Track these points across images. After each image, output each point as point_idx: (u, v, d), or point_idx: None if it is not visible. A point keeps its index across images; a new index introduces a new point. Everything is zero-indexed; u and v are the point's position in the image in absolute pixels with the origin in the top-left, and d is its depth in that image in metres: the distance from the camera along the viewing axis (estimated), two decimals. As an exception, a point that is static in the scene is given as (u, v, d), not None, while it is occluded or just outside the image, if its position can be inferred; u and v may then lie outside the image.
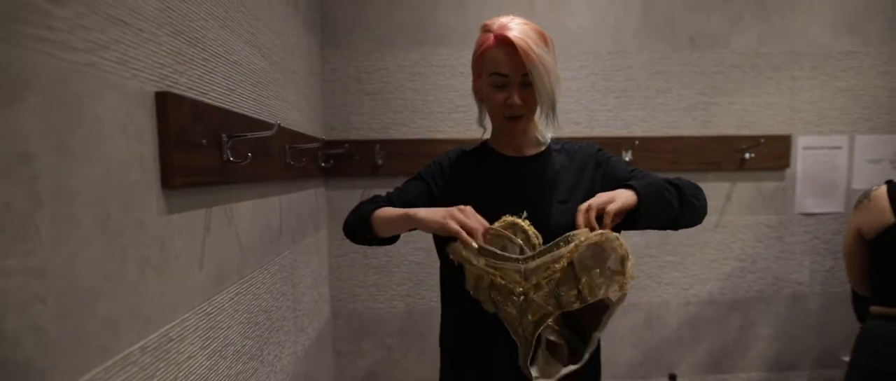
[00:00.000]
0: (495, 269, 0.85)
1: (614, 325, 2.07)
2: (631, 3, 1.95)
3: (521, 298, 0.84)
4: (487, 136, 1.11)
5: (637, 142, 1.94)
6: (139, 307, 0.64)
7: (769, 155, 2.03)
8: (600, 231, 0.82)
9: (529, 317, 0.85)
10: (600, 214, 0.84)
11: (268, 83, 1.20)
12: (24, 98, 0.46)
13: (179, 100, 0.72)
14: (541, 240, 0.88)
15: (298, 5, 1.51)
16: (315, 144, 1.51)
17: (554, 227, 0.90)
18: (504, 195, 0.98)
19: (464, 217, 0.85)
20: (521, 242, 0.87)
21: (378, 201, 1.02)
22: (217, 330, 0.89)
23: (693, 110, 2.02)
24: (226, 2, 0.94)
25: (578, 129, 1.97)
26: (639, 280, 2.07)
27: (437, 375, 1.13)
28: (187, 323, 0.78)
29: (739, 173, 2.07)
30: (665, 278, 2.09)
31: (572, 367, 0.91)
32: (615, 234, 0.83)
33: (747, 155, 2.01)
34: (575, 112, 1.97)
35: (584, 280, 0.83)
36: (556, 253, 0.83)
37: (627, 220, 0.87)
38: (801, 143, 2.07)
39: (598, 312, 0.89)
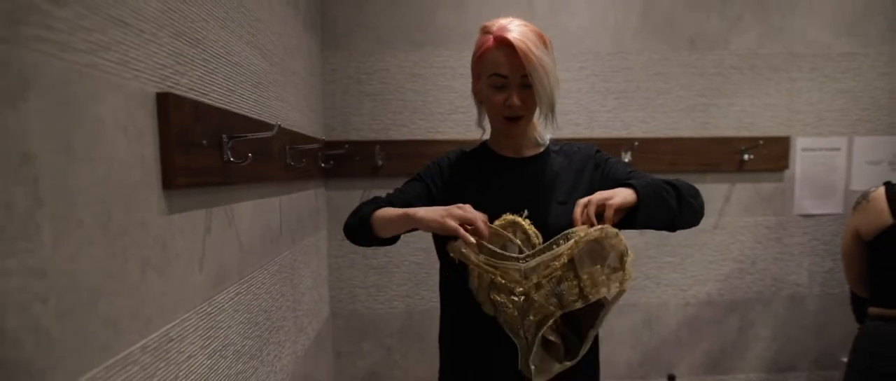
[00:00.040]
0: (495, 267, 0.85)
1: (613, 325, 2.08)
2: (631, 3, 1.96)
3: (522, 298, 0.84)
4: (487, 137, 1.11)
5: (636, 143, 1.94)
6: (140, 307, 0.64)
7: (768, 156, 2.04)
8: (600, 227, 0.82)
9: (531, 317, 0.85)
10: (599, 210, 0.84)
11: (268, 84, 1.21)
12: (25, 99, 0.46)
13: (180, 101, 0.73)
14: (541, 240, 0.88)
15: (299, 6, 1.51)
16: (315, 145, 1.51)
17: (553, 227, 0.90)
18: (503, 196, 0.98)
19: (462, 213, 0.85)
20: (519, 242, 0.87)
21: (378, 202, 1.02)
22: (217, 330, 0.90)
23: (692, 112, 2.02)
24: (226, 3, 0.94)
25: (578, 130, 1.98)
26: (638, 281, 2.08)
27: (436, 375, 1.14)
28: (188, 323, 0.78)
29: (738, 175, 2.07)
30: (664, 279, 2.09)
31: (568, 364, 0.91)
32: (614, 230, 0.83)
33: (746, 156, 2.01)
34: (575, 113, 1.97)
35: (585, 278, 0.83)
36: (555, 251, 0.83)
37: (626, 219, 0.88)
38: (799, 144, 2.08)
39: (595, 309, 0.90)
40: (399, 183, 1.13)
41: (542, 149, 1.07)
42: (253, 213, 1.10)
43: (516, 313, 0.86)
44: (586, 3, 1.94)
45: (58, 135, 0.50)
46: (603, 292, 0.85)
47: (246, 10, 1.05)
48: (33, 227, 0.47)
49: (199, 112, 0.79)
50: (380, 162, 1.86)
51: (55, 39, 0.50)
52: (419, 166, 1.13)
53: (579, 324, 0.93)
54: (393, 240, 1.01)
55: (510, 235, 0.87)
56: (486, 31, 0.97)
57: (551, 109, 0.96)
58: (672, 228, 0.94)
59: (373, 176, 1.89)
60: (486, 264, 0.85)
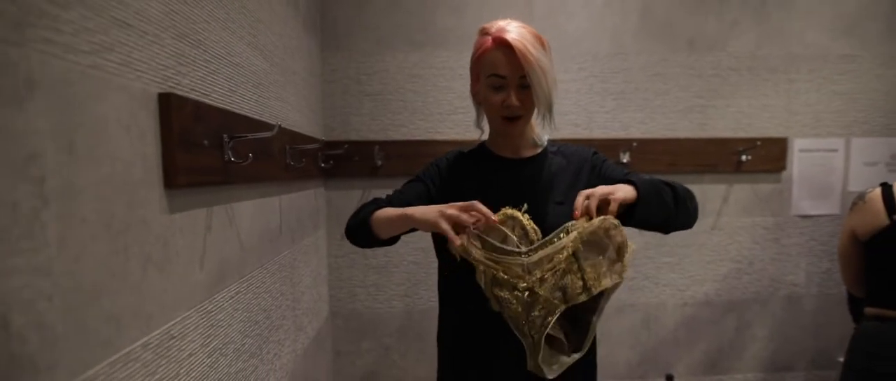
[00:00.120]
0: (497, 263, 0.86)
1: (612, 326, 2.09)
2: (629, 5, 1.97)
3: (526, 293, 0.85)
4: (485, 138, 1.12)
5: (635, 144, 1.95)
6: (142, 305, 0.65)
7: (766, 157, 2.05)
8: (603, 217, 0.83)
9: (535, 312, 0.86)
10: (601, 204, 0.85)
11: (269, 84, 1.21)
12: (31, 99, 0.47)
13: (182, 101, 0.73)
14: (539, 235, 0.88)
15: (299, 7, 1.52)
16: (315, 145, 1.52)
17: (550, 227, 0.91)
18: (501, 196, 0.99)
19: (455, 213, 0.85)
20: (517, 237, 0.87)
21: (377, 204, 1.03)
22: (217, 328, 0.90)
23: (690, 113, 2.03)
24: (228, 4, 0.95)
25: (577, 130, 1.99)
26: (636, 281, 2.09)
27: (435, 375, 1.14)
28: (188, 321, 0.79)
29: (736, 175, 2.08)
30: (662, 280, 2.10)
31: (576, 356, 0.91)
32: (616, 220, 0.84)
33: (744, 157, 2.02)
34: (573, 114, 1.98)
35: (588, 270, 0.84)
36: (558, 244, 0.84)
37: (624, 215, 0.89)
38: (797, 145, 2.09)
39: (596, 299, 0.90)
40: (398, 183, 1.14)
41: (539, 150, 1.08)
42: (253, 212, 1.11)
43: (520, 309, 0.86)
44: (585, 5, 1.95)
45: (62, 135, 0.51)
46: (605, 283, 0.85)
47: (247, 12, 1.06)
48: (39, 226, 0.47)
49: (200, 112, 0.79)
50: (379, 162, 1.87)
51: (60, 41, 0.51)
52: (418, 167, 1.14)
53: (577, 317, 0.93)
54: (393, 241, 1.02)
55: (507, 230, 0.87)
56: (484, 32, 0.98)
57: (549, 109, 0.97)
58: (666, 229, 0.95)
59: (372, 176, 1.90)
60: (488, 260, 0.86)
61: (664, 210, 0.91)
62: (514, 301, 0.86)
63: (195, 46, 0.81)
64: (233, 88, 0.98)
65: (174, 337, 0.74)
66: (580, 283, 0.84)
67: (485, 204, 0.88)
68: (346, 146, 1.83)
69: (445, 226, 0.84)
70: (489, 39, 0.96)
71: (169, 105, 0.70)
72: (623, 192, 0.86)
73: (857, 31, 2.07)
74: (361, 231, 0.99)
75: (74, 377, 0.52)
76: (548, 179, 1.03)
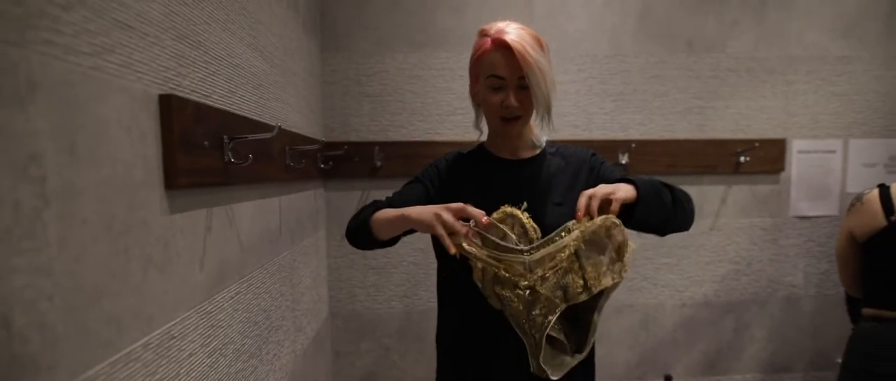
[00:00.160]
0: (499, 261, 0.86)
1: (610, 326, 2.09)
2: (628, 6, 1.97)
3: (527, 291, 0.85)
4: (484, 139, 1.12)
5: (633, 145, 1.95)
6: (142, 305, 0.65)
7: (764, 159, 2.05)
8: (605, 216, 0.83)
9: (536, 311, 0.86)
10: (602, 203, 0.85)
11: (268, 85, 1.22)
12: (32, 100, 0.47)
13: (182, 102, 0.74)
14: (539, 234, 0.89)
15: (299, 8, 1.53)
16: (315, 146, 1.52)
17: (549, 228, 0.91)
18: (500, 197, 0.99)
19: (449, 217, 0.85)
20: (516, 236, 0.88)
21: (377, 205, 1.03)
22: (217, 329, 0.91)
23: (689, 114, 2.04)
24: (228, 5, 0.96)
25: (576, 132, 1.99)
26: (635, 282, 2.09)
27: (434, 375, 1.15)
28: (188, 321, 0.79)
29: (734, 177, 2.08)
30: (661, 281, 2.11)
31: (579, 357, 0.92)
32: (617, 220, 0.84)
33: (742, 158, 2.03)
34: (573, 115, 1.99)
35: (589, 270, 0.84)
36: (559, 243, 0.84)
37: (623, 215, 0.89)
38: (795, 147, 2.10)
39: (594, 297, 0.90)
40: (398, 184, 1.14)
41: (538, 151, 1.08)
42: (253, 213, 1.11)
43: (522, 307, 0.86)
44: (584, 6, 1.95)
45: (63, 136, 0.51)
46: (605, 282, 0.86)
47: (247, 13, 1.06)
48: (40, 226, 0.48)
49: (200, 113, 0.80)
50: (379, 163, 1.87)
51: (61, 42, 0.51)
52: (418, 168, 1.14)
53: (577, 316, 0.93)
54: (392, 242, 1.02)
55: (506, 229, 0.88)
56: (483, 33, 0.99)
57: (548, 110, 0.97)
58: (663, 230, 0.96)
59: (372, 177, 1.91)
60: (490, 258, 0.86)
61: (663, 211, 0.92)
62: (516, 300, 0.86)
63: (195, 48, 0.82)
64: (233, 89, 0.98)
65: (174, 337, 0.74)
66: (581, 282, 0.84)
67: (483, 205, 0.88)
68: (345, 147, 1.83)
69: (441, 231, 0.84)
70: (488, 41, 0.96)
71: (169, 106, 0.70)
72: (624, 191, 0.86)
73: (855, 33, 2.07)
74: (361, 233, 1.00)
75: (75, 376, 0.53)
76: (546, 181, 1.03)
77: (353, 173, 1.90)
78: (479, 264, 0.88)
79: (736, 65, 2.04)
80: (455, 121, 1.94)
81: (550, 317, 0.85)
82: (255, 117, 1.09)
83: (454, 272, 0.95)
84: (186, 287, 0.78)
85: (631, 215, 0.88)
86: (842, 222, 1.53)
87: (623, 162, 1.95)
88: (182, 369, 0.77)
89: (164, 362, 0.71)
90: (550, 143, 1.10)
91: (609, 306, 0.97)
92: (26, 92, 0.46)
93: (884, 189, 1.40)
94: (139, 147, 0.65)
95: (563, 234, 0.85)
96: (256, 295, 1.13)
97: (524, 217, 0.89)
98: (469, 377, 1.05)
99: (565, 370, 0.90)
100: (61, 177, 0.50)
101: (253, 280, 1.11)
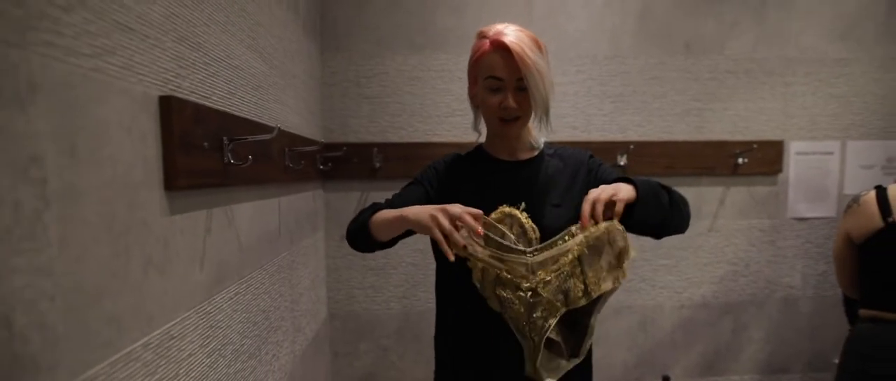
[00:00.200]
0: (501, 261, 0.86)
1: (609, 328, 2.10)
2: (628, 8, 1.98)
3: (529, 293, 0.85)
4: (483, 140, 1.13)
5: (632, 146, 1.96)
6: (142, 305, 0.65)
7: (762, 160, 2.06)
8: (609, 222, 0.83)
9: (537, 314, 0.86)
10: (605, 205, 0.85)
11: (268, 87, 1.22)
12: (33, 102, 0.47)
13: (182, 104, 0.74)
14: (537, 234, 0.89)
15: (298, 10, 1.53)
16: (314, 147, 1.52)
17: (548, 229, 0.92)
18: (498, 198, 0.99)
19: (446, 222, 0.83)
20: (514, 235, 0.88)
21: (376, 207, 1.03)
22: (216, 329, 0.91)
23: (687, 115, 2.04)
24: (228, 7, 0.96)
25: (575, 133, 2.00)
26: (633, 283, 2.10)
27: (432, 376, 1.15)
28: (188, 322, 0.79)
29: (733, 178, 2.09)
30: (659, 282, 2.11)
31: (575, 361, 0.92)
32: (620, 227, 0.85)
33: (741, 160, 2.03)
34: (571, 116, 1.99)
35: (590, 275, 0.85)
36: (562, 246, 0.84)
37: (622, 216, 0.89)
38: (793, 148, 2.10)
39: (593, 301, 0.91)
40: (396, 185, 1.15)
41: (536, 152, 1.09)
42: (252, 214, 1.11)
43: (523, 310, 0.86)
44: (584, 7, 1.96)
45: (64, 137, 0.51)
46: (604, 287, 0.86)
47: (246, 15, 1.07)
48: (41, 227, 0.48)
49: (200, 115, 0.80)
50: (378, 164, 1.87)
51: (61, 44, 0.51)
52: (417, 169, 1.15)
53: (575, 320, 0.94)
54: (393, 243, 1.02)
55: (505, 228, 0.88)
56: (482, 35, 0.99)
57: (546, 112, 0.98)
58: (659, 233, 0.96)
59: (370, 178, 1.91)
60: (492, 259, 0.86)
61: (661, 212, 0.92)
62: (517, 301, 0.86)
63: (195, 49, 0.82)
64: (232, 90, 0.99)
65: (174, 337, 0.75)
66: (582, 286, 0.85)
67: (481, 205, 0.88)
68: (344, 148, 1.84)
69: (438, 234, 0.83)
70: (487, 42, 0.97)
71: (169, 108, 0.71)
72: (625, 192, 0.87)
73: (854, 35, 2.08)
74: (361, 235, 1.00)
75: (76, 376, 0.53)
76: (544, 182, 1.03)
77: (352, 175, 1.91)
78: (480, 265, 0.88)
79: (734, 66, 2.04)
80: (454, 122, 1.94)
81: (551, 320, 0.85)
82: (254, 119, 1.10)
83: (461, 268, 0.94)
84: (186, 288, 0.79)
85: (629, 215, 0.89)
86: (839, 224, 1.54)
87: (621, 163, 1.95)
88: (181, 369, 0.77)
89: (163, 362, 0.71)
90: (548, 144, 1.11)
91: (607, 307, 0.97)
92: (27, 93, 0.47)
93: (880, 191, 1.40)
94: (139, 148, 0.65)
95: (566, 238, 0.85)
96: (255, 296, 1.13)
97: (523, 217, 0.89)
98: (467, 377, 1.05)
99: (560, 374, 0.90)
100: (62, 178, 0.51)
101: (252, 281, 1.11)
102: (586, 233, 0.83)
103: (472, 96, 1.06)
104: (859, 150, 2.14)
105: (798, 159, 2.11)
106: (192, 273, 0.81)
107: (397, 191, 1.10)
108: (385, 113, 1.92)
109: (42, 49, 0.49)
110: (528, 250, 0.86)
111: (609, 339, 2.10)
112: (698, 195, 2.07)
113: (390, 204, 1.04)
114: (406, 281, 2.00)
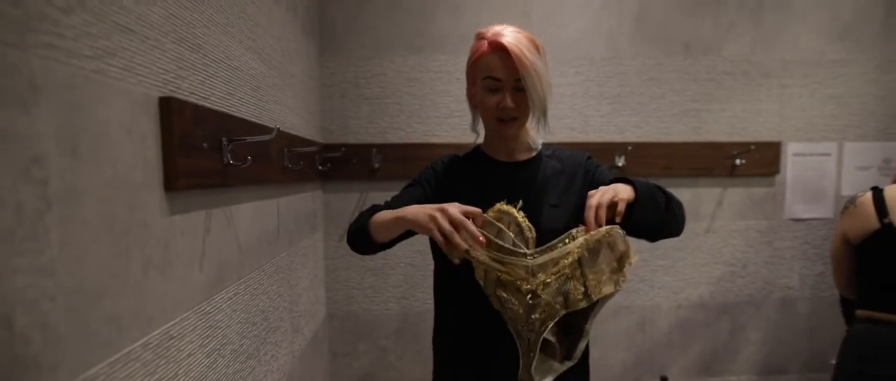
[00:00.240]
0: (502, 263, 0.86)
1: (607, 328, 2.10)
2: (625, 9, 1.98)
3: (529, 295, 0.85)
4: (481, 141, 1.13)
5: (630, 147, 1.96)
6: (142, 306, 0.66)
7: (760, 161, 2.07)
8: (611, 226, 0.84)
9: (536, 315, 0.86)
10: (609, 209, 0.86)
11: (267, 88, 1.22)
12: (35, 103, 0.48)
13: (182, 105, 0.74)
14: (534, 233, 0.89)
15: (297, 11, 1.53)
16: (313, 148, 1.53)
17: (545, 230, 0.92)
18: (496, 199, 1.00)
19: (446, 224, 0.83)
20: (512, 234, 0.88)
21: (375, 209, 1.03)
22: (216, 329, 0.91)
23: (685, 117, 2.05)
24: (227, 8, 0.96)
25: (573, 134, 2.00)
26: (631, 284, 2.10)
27: (431, 377, 1.15)
28: (187, 322, 0.80)
29: (730, 179, 2.10)
30: (657, 282, 2.12)
31: (569, 363, 0.92)
32: (621, 231, 0.85)
33: (738, 161, 2.04)
34: (569, 117, 2.00)
35: (590, 278, 0.85)
36: (563, 249, 0.84)
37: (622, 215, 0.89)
38: (791, 149, 2.11)
39: (591, 305, 0.91)
40: (395, 186, 1.15)
41: (534, 153, 1.09)
42: (251, 214, 1.11)
43: (522, 311, 0.87)
44: (581, 9, 1.97)
45: (65, 138, 0.52)
46: (605, 290, 0.86)
47: (246, 16, 1.07)
48: (42, 227, 0.48)
49: (199, 116, 0.80)
50: (376, 165, 1.88)
51: (62, 46, 0.52)
52: (415, 170, 1.15)
53: (571, 322, 0.94)
54: (392, 244, 1.02)
55: (503, 226, 0.88)
56: (480, 36, 1.00)
57: (544, 113, 0.98)
58: (654, 235, 0.96)
59: (369, 179, 1.91)
60: (492, 260, 0.86)
61: (658, 214, 0.92)
62: (516, 303, 0.86)
63: (195, 51, 0.82)
64: (232, 91, 0.99)
65: (173, 338, 0.75)
66: (582, 289, 0.85)
67: (479, 206, 0.89)
68: (343, 149, 1.84)
69: (437, 235, 0.83)
70: (485, 43, 0.97)
71: (169, 109, 0.71)
72: (625, 193, 0.87)
73: (851, 36, 2.09)
74: (361, 236, 1.00)
75: (76, 376, 0.53)
76: (542, 183, 1.04)
77: (350, 175, 1.91)
78: (481, 266, 0.89)
79: (732, 68, 2.05)
80: (452, 123, 1.95)
81: (549, 322, 0.86)
82: (253, 119, 1.10)
83: (462, 267, 0.93)
84: (185, 288, 0.79)
85: (627, 216, 0.89)
86: (836, 225, 1.55)
87: (619, 165, 1.96)
88: (181, 369, 0.77)
89: (162, 362, 0.72)
90: (546, 145, 1.11)
91: (606, 307, 0.97)
92: (29, 95, 0.47)
93: (877, 192, 1.41)
94: (140, 149, 0.65)
95: (566, 240, 0.85)
96: (254, 296, 1.13)
97: (520, 216, 0.90)
98: (466, 377, 1.05)
99: (553, 376, 0.91)
100: (63, 179, 0.51)
101: (251, 281, 1.11)
102: (587, 237, 0.84)
103: (471, 97, 1.07)
104: (856, 151, 2.14)
105: (795, 161, 2.12)
106: (192, 274, 0.81)
107: (396, 193, 1.10)
108: (384, 114, 1.93)
109: (43, 51, 0.49)
110: (529, 252, 0.86)
111: (607, 339, 2.11)
112: (696, 196, 2.08)
113: (389, 206, 1.05)
114: (405, 282, 2.00)
